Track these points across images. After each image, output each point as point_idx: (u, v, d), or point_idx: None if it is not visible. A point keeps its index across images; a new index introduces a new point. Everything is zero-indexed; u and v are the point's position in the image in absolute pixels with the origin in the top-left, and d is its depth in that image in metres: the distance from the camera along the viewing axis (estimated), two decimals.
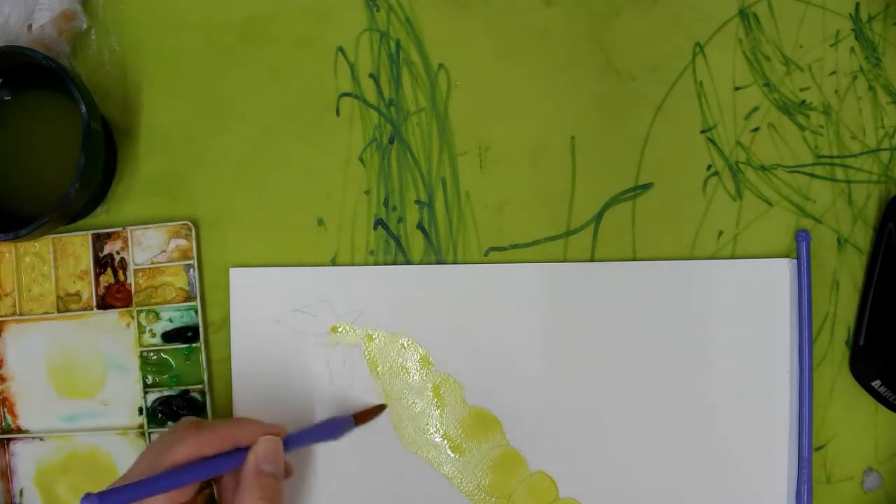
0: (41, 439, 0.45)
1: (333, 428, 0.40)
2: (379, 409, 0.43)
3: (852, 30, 0.45)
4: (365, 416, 0.43)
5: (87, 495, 0.31)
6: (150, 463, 0.35)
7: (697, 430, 0.43)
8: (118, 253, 0.44)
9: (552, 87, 0.45)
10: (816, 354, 0.44)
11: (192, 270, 0.44)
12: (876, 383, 0.43)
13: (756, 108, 0.45)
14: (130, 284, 0.44)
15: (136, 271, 0.44)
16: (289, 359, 0.44)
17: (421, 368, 0.44)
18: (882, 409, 0.44)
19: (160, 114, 0.45)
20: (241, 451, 0.36)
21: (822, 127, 0.45)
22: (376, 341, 0.44)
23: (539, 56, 0.45)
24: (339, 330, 0.44)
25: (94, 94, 0.42)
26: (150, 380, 0.44)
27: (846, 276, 0.44)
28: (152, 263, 0.44)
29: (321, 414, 0.44)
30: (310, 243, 0.45)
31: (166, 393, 0.44)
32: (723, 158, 0.45)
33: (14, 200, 0.43)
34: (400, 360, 0.44)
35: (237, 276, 0.44)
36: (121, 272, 0.44)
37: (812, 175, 0.45)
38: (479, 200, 0.45)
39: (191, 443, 0.35)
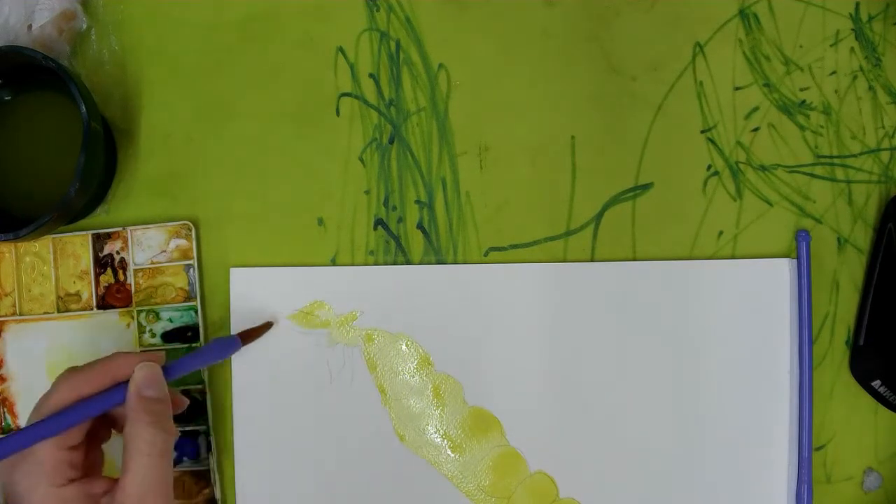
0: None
1: (220, 349, 0.40)
2: (266, 326, 0.43)
3: (852, 30, 0.45)
4: (251, 334, 0.42)
5: None
6: (34, 414, 0.34)
7: (697, 430, 0.43)
8: (118, 253, 0.44)
9: (552, 87, 0.45)
10: (816, 354, 0.44)
11: (192, 270, 0.44)
12: (876, 383, 0.43)
13: (756, 108, 0.45)
14: (130, 284, 0.44)
15: (136, 271, 0.44)
16: (288, 359, 0.44)
17: (421, 368, 0.44)
18: (882, 409, 0.44)
19: (160, 114, 0.45)
20: (122, 386, 0.35)
21: (822, 127, 0.45)
22: (376, 341, 0.44)
23: (539, 56, 0.45)
24: (339, 330, 0.44)
25: (94, 94, 0.42)
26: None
27: (846, 276, 0.44)
28: (152, 263, 0.44)
29: (321, 414, 0.44)
30: (310, 243, 0.45)
31: None
32: (723, 158, 0.45)
33: (14, 200, 0.43)
34: (400, 360, 0.44)
35: (237, 276, 0.44)
36: (121, 272, 0.44)
37: (812, 175, 0.45)
38: (479, 200, 0.45)
39: (66, 386, 0.34)
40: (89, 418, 0.35)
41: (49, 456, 0.34)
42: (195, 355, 0.39)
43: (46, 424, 0.33)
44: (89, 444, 0.36)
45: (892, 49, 0.45)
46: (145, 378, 0.35)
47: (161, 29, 0.45)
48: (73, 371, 0.35)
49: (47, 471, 0.34)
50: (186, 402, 0.39)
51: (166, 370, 0.37)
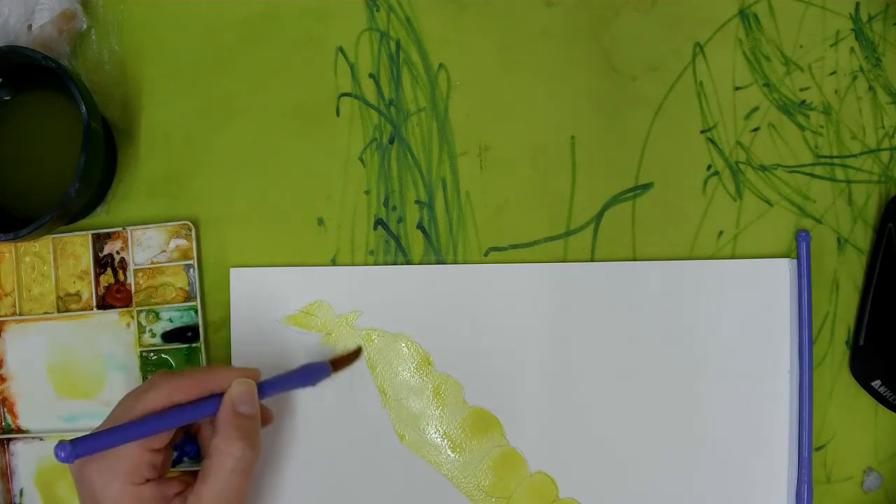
0: (41, 439, 0.45)
1: (310, 374, 0.40)
2: (356, 353, 0.43)
3: (852, 30, 0.45)
4: (342, 361, 0.42)
5: (61, 443, 0.31)
6: (123, 411, 0.35)
7: (697, 430, 0.43)
8: (118, 253, 0.44)
9: (552, 87, 0.45)
10: (816, 354, 0.44)
11: (192, 270, 0.44)
12: (876, 383, 0.43)
13: (756, 108, 0.45)
14: (130, 284, 0.44)
15: (136, 271, 0.44)
16: (289, 359, 0.44)
17: (421, 368, 0.44)
18: (882, 409, 0.44)
19: (160, 114, 0.45)
20: (216, 397, 0.36)
21: (822, 127, 0.45)
22: (376, 341, 0.44)
23: (539, 56, 0.45)
24: (339, 330, 0.44)
25: (94, 94, 0.42)
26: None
27: (846, 276, 0.44)
28: (152, 263, 0.44)
29: (321, 414, 0.44)
30: (310, 243, 0.45)
31: None
32: (723, 158, 0.45)
33: (14, 200, 0.43)
34: (400, 360, 0.44)
35: (237, 276, 0.44)
36: (121, 272, 0.44)
37: (812, 175, 0.45)
38: (479, 200, 0.45)
39: (163, 390, 0.35)
40: (180, 425, 0.35)
41: (133, 456, 0.34)
42: (288, 378, 0.39)
43: (140, 426, 0.34)
44: (168, 444, 0.36)
45: (892, 49, 0.45)
46: (241, 394, 0.36)
47: (161, 29, 0.45)
48: (169, 375, 0.36)
49: (127, 469, 0.34)
50: (273, 416, 0.40)
51: (259, 388, 0.37)
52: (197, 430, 0.39)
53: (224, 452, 0.35)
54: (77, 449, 0.31)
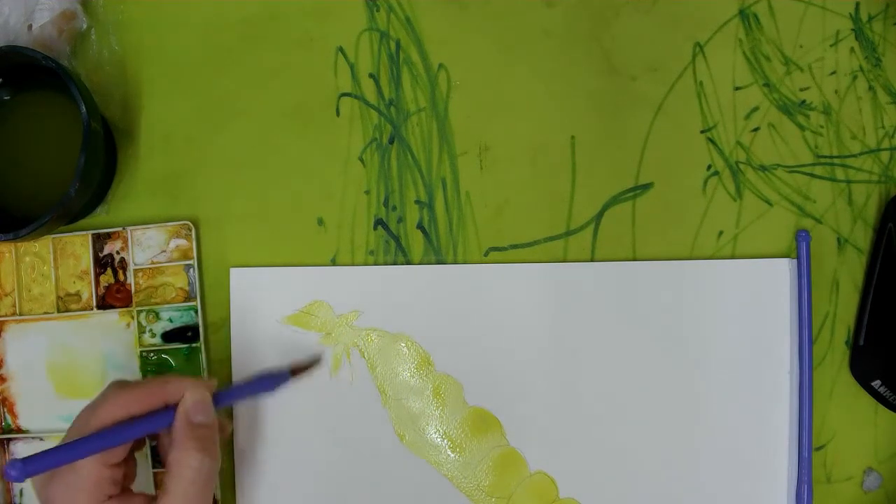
0: (41, 439, 0.45)
1: (268, 382, 0.39)
2: (316, 360, 0.43)
3: (852, 30, 0.45)
4: (301, 368, 0.42)
5: (12, 461, 0.31)
6: (78, 428, 0.34)
7: (697, 430, 0.43)
8: (118, 253, 0.44)
9: (552, 87, 0.45)
10: (816, 354, 0.44)
11: (192, 270, 0.44)
12: (876, 383, 0.43)
13: (756, 108, 0.45)
14: (130, 284, 0.44)
15: (136, 271, 0.44)
16: (289, 359, 0.44)
17: (421, 369, 0.44)
18: (882, 409, 0.44)
19: (160, 114, 0.45)
20: (171, 409, 0.35)
21: (822, 127, 0.45)
22: (376, 341, 0.44)
23: (539, 56, 0.45)
24: (339, 330, 0.44)
25: (94, 94, 0.42)
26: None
27: (846, 276, 0.44)
28: (152, 263, 0.44)
29: (321, 414, 0.44)
30: (310, 243, 0.45)
31: None
32: (723, 158, 0.45)
33: (14, 200, 0.43)
34: (399, 360, 0.44)
35: (237, 276, 0.44)
36: (121, 272, 0.44)
37: (812, 175, 0.45)
38: (479, 200, 0.45)
39: (117, 403, 0.34)
40: (135, 439, 0.35)
41: (92, 473, 0.33)
42: (245, 386, 0.39)
43: (95, 440, 0.33)
44: (127, 457, 0.36)
45: (892, 49, 0.45)
46: (195, 404, 0.35)
47: (161, 29, 0.45)
48: (122, 387, 0.35)
49: (87, 487, 0.33)
50: (231, 428, 0.39)
51: (215, 397, 0.37)
52: (157, 440, 0.38)
53: (182, 464, 0.34)
54: (28, 467, 0.31)
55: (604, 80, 0.45)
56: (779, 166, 0.45)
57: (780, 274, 0.44)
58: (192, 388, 0.36)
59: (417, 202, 0.45)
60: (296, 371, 0.41)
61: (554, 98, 0.45)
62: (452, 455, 0.44)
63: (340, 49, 0.45)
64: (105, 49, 0.45)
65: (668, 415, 0.43)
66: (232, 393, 0.38)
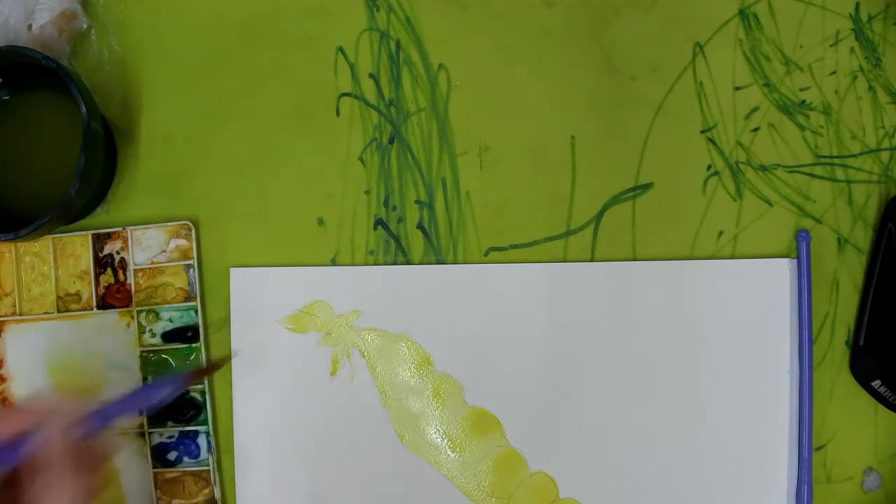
0: None
1: (153, 392, 0.35)
2: (223, 360, 0.42)
3: (852, 30, 0.45)
4: (204, 371, 0.41)
5: None
6: None
7: (697, 430, 0.43)
8: (118, 253, 0.44)
9: (552, 87, 0.45)
10: (816, 354, 0.44)
11: (192, 270, 0.44)
12: (876, 383, 0.43)
13: (756, 108, 0.45)
14: (130, 284, 0.44)
15: (136, 271, 0.44)
16: (289, 359, 0.44)
17: (421, 369, 0.44)
18: (882, 409, 0.44)
19: (160, 114, 0.45)
20: (30, 437, 0.32)
21: (822, 127, 0.45)
22: (376, 341, 0.44)
23: (539, 56, 0.45)
24: (339, 330, 0.44)
25: (94, 94, 0.42)
26: (150, 380, 0.44)
27: (846, 276, 0.44)
28: (152, 263, 0.44)
29: (321, 414, 0.44)
30: (310, 243, 0.45)
31: None
32: (723, 158, 0.45)
33: (14, 200, 0.43)
34: (399, 360, 0.44)
35: (237, 276, 0.44)
36: (121, 272, 0.44)
37: (812, 175, 0.45)
38: (479, 200, 0.45)
39: None
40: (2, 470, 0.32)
41: None
42: (120, 403, 0.34)
43: None
44: (12, 484, 0.32)
45: (892, 49, 0.45)
46: (51, 430, 0.32)
47: (161, 29, 0.45)
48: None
49: None
50: (115, 450, 0.36)
51: (96, 415, 0.33)
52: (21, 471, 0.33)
53: (49, 497, 0.31)
54: None
55: (604, 80, 0.45)
56: (779, 166, 0.45)
57: (780, 274, 0.44)
58: (47, 413, 0.32)
59: (417, 202, 0.45)
60: (198, 374, 0.39)
61: (554, 98, 0.45)
62: (452, 455, 0.44)
63: (340, 49, 0.45)
64: (105, 49, 0.45)
65: (668, 415, 0.43)
66: (106, 411, 0.34)
